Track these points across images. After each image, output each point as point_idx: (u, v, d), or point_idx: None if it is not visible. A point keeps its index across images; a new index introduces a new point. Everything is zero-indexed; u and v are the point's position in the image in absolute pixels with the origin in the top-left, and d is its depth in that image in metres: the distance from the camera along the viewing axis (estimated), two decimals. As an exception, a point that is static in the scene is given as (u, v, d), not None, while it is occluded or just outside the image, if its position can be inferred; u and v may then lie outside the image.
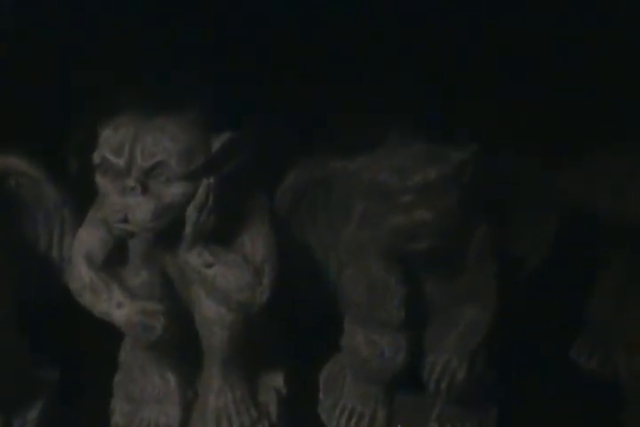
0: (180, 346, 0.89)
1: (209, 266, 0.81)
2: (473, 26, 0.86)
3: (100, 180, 0.80)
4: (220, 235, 0.83)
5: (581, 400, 0.93)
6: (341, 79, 0.86)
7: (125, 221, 0.78)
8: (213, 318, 0.85)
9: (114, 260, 0.85)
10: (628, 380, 0.88)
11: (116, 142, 0.78)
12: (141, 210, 0.77)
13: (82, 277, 0.84)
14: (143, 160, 0.77)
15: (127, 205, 0.78)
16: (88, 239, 0.85)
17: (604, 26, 0.85)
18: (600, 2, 0.81)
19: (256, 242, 0.83)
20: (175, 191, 0.78)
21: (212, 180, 0.79)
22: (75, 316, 0.93)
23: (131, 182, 0.77)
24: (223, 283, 0.82)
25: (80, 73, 0.89)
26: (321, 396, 0.93)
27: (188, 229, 0.80)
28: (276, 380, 0.93)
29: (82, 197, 0.89)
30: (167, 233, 0.81)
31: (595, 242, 0.91)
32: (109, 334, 0.92)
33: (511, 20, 0.85)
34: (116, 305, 0.83)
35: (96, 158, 0.79)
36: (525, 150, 0.86)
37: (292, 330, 0.97)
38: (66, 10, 0.84)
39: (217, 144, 0.80)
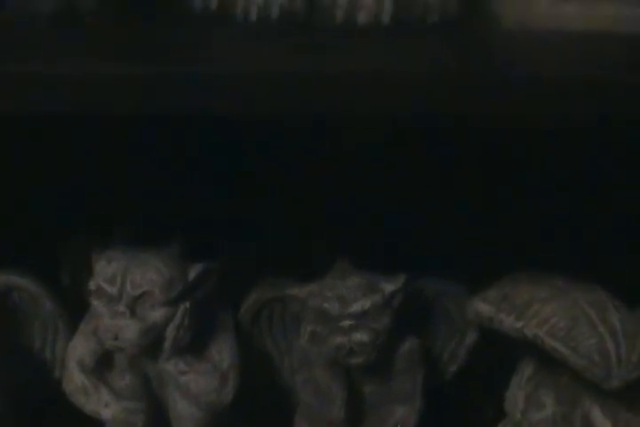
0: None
1: (183, 373, 0.98)
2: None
3: (94, 302, 0.97)
4: (193, 347, 1.00)
5: None
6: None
7: (116, 339, 0.95)
8: (185, 415, 1.01)
9: (102, 365, 1.02)
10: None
11: (110, 273, 0.95)
12: (129, 331, 0.94)
13: (75, 381, 1.01)
14: (132, 289, 0.95)
15: (118, 327, 0.95)
16: (80, 348, 1.01)
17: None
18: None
19: (223, 352, 1.00)
20: (158, 315, 0.95)
21: (188, 304, 0.97)
22: (67, 414, 1.09)
23: (121, 308, 0.95)
24: (194, 387, 0.99)
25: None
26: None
27: (167, 343, 0.97)
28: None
29: (74, 311, 1.06)
30: (149, 347, 0.98)
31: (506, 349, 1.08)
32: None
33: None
34: (103, 405, 1.00)
35: (92, 285, 0.96)
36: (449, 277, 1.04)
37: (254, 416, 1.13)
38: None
39: (192, 274, 0.97)
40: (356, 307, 0.95)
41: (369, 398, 1.02)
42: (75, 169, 1.11)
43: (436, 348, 1.07)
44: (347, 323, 0.95)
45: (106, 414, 0.99)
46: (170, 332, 0.96)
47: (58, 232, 1.09)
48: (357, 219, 1.05)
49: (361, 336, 0.95)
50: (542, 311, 0.96)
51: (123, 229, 0.99)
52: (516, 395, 1.05)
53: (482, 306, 1.00)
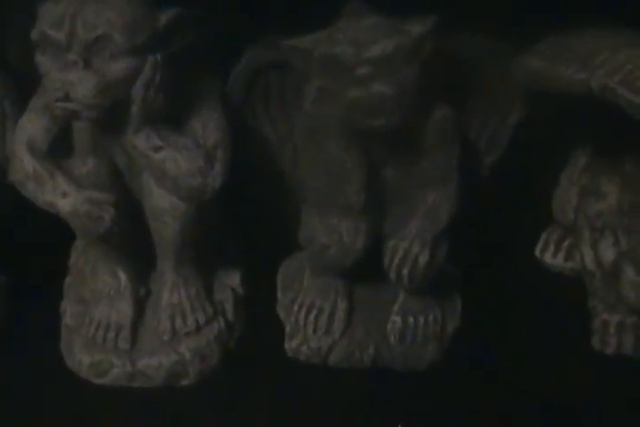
0: (131, 241, 0.85)
1: (157, 149, 0.77)
2: None
3: (40, 58, 0.75)
4: (170, 119, 0.79)
5: (547, 296, 0.90)
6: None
7: (67, 99, 0.74)
8: (164, 207, 0.81)
9: (58, 149, 0.81)
10: (594, 268, 0.85)
11: (56, 15, 0.74)
12: (83, 86, 0.73)
13: (24, 166, 0.80)
14: (85, 33, 0.73)
15: (68, 82, 0.73)
16: (30, 127, 0.80)
17: None
18: None
19: (208, 126, 0.80)
20: (119, 66, 0.74)
21: (158, 56, 0.75)
22: (22, 219, 0.90)
23: (72, 57, 0.73)
24: (173, 168, 0.78)
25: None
26: (279, 294, 0.90)
27: (135, 108, 0.76)
28: (233, 278, 0.90)
29: (24, 89, 0.85)
30: (114, 116, 0.77)
31: (560, 127, 0.88)
32: (59, 238, 0.89)
33: None
34: (60, 194, 0.79)
35: (35, 35, 0.75)
36: (487, 32, 0.83)
37: (248, 227, 0.93)
38: None
39: (164, 19, 0.76)
40: (374, 50, 0.73)
41: (393, 182, 0.81)
42: None
43: (473, 128, 0.85)
44: (364, 71, 0.73)
45: (63, 205, 0.79)
46: (137, 91, 0.75)
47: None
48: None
49: (382, 87, 0.73)
50: (612, 60, 0.75)
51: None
52: (567, 191, 0.85)
53: (533, 61, 0.78)
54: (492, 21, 0.84)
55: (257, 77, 0.83)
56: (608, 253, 0.85)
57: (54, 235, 0.89)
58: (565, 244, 0.94)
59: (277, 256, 0.92)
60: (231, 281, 0.90)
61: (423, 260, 0.80)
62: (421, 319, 0.84)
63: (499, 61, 0.82)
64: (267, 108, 0.84)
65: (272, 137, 0.85)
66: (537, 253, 0.95)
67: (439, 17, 0.76)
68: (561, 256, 0.94)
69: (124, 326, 0.84)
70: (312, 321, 0.84)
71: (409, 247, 0.80)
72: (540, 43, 0.82)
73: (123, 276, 0.86)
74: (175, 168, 0.78)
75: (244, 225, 0.93)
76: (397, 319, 0.84)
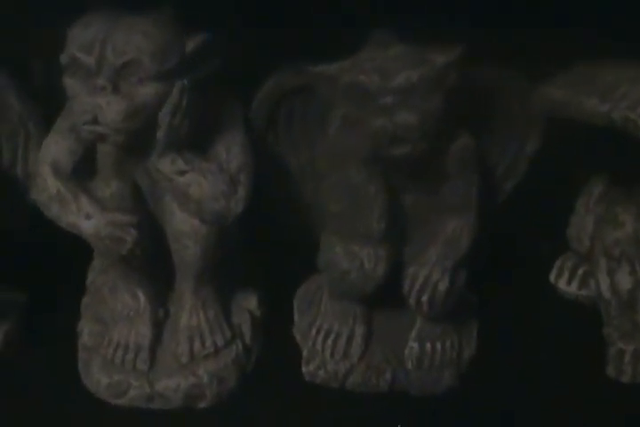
0: (151, 263, 0.85)
1: (182, 173, 0.78)
2: None
3: (68, 81, 0.76)
4: (194, 143, 0.80)
5: (562, 321, 0.91)
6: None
7: (95, 122, 0.74)
8: (186, 230, 0.81)
9: (83, 171, 0.82)
10: (610, 297, 0.85)
11: (86, 40, 0.74)
12: (112, 110, 0.74)
13: (48, 187, 0.81)
14: (115, 57, 0.74)
15: (97, 105, 0.74)
16: (55, 148, 0.81)
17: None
18: None
19: (231, 151, 0.80)
20: (148, 91, 0.75)
21: (186, 81, 0.76)
22: (43, 239, 0.90)
23: (101, 81, 0.74)
24: (197, 191, 0.78)
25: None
26: (296, 317, 0.90)
27: (161, 133, 0.76)
28: (250, 301, 0.91)
29: (49, 110, 0.86)
30: (139, 140, 0.77)
31: (578, 155, 0.89)
32: (78, 257, 0.90)
33: None
34: (84, 216, 0.80)
35: (64, 58, 0.75)
36: (509, 61, 0.84)
37: (267, 250, 0.94)
38: None
39: (192, 44, 0.76)
40: (399, 80, 0.74)
41: (414, 208, 0.82)
42: None
43: (492, 155, 0.86)
44: (389, 100, 0.74)
45: (87, 227, 0.79)
46: (163, 116, 0.76)
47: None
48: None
49: (407, 116, 0.74)
50: (633, 92, 0.75)
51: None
52: (583, 218, 0.85)
53: (554, 90, 0.79)
54: (514, 52, 0.84)
55: (280, 103, 0.83)
56: (625, 282, 0.85)
57: (72, 253, 0.90)
58: (580, 271, 0.94)
59: (295, 279, 0.92)
60: (249, 304, 0.90)
61: (443, 287, 0.81)
62: (438, 345, 0.85)
63: (518, 90, 0.83)
64: (289, 134, 0.85)
65: (294, 163, 0.86)
66: (551, 279, 0.96)
67: (463, 47, 0.77)
68: (575, 283, 0.95)
69: (142, 347, 0.85)
70: (330, 345, 0.85)
71: (429, 274, 0.81)
72: (561, 73, 0.83)
73: (142, 297, 0.86)
74: (199, 192, 0.79)
75: (263, 248, 0.93)
76: (415, 345, 0.85)
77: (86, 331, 0.88)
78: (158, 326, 0.87)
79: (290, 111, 0.84)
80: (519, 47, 0.87)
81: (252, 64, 0.84)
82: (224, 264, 0.87)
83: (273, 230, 0.91)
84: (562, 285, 0.95)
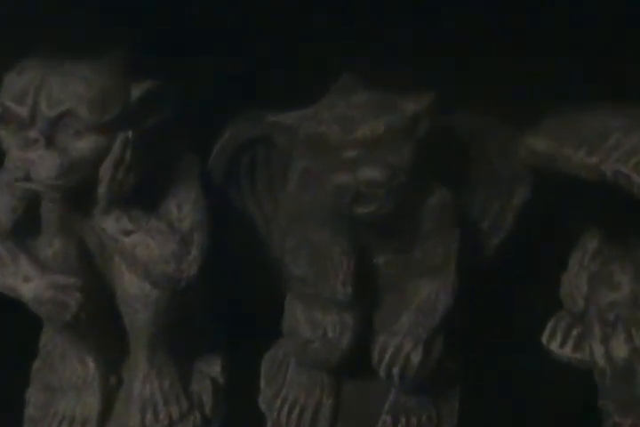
0: (103, 327, 0.79)
1: (128, 233, 0.71)
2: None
3: (2, 133, 0.69)
4: (143, 200, 0.73)
5: (553, 387, 0.83)
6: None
7: (27, 179, 0.68)
8: (136, 294, 0.75)
9: (24, 229, 0.75)
10: (605, 365, 0.78)
11: (19, 88, 0.68)
12: (45, 166, 0.67)
13: (-15, 247, 0.74)
14: (49, 108, 0.67)
15: (29, 160, 0.67)
16: (-7, 205, 0.74)
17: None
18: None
19: (183, 207, 0.74)
20: (85, 145, 0.68)
21: (130, 134, 0.69)
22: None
23: (33, 134, 0.67)
24: (144, 253, 0.72)
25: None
26: (262, 385, 0.83)
27: (102, 188, 0.70)
28: (213, 367, 0.84)
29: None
30: (83, 195, 0.71)
31: (568, 212, 0.82)
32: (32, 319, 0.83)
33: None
34: (22, 278, 0.73)
35: (-4, 108, 0.69)
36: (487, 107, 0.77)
37: (231, 312, 0.87)
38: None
39: (137, 92, 0.70)
40: (363, 131, 0.67)
41: (385, 270, 0.74)
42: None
43: (474, 211, 0.78)
44: (352, 153, 0.67)
45: (26, 290, 0.73)
46: (105, 171, 0.69)
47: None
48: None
49: (371, 172, 0.67)
50: (624, 143, 0.68)
51: (44, 31, 0.71)
52: (576, 276, 0.78)
53: (538, 141, 0.71)
54: (493, 97, 0.77)
55: (241, 153, 0.76)
56: (620, 350, 0.78)
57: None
58: (574, 333, 0.87)
59: (262, 343, 0.85)
60: (211, 370, 0.83)
61: (416, 358, 0.73)
62: (414, 419, 0.78)
63: (501, 140, 0.76)
64: (252, 186, 0.78)
65: (259, 216, 0.79)
66: (544, 341, 0.88)
67: (437, 92, 0.70)
68: (569, 346, 0.87)
69: (90, 420, 0.78)
70: (294, 419, 0.78)
71: (400, 344, 0.73)
72: (545, 120, 0.76)
73: (92, 364, 0.80)
74: (147, 253, 0.72)
75: (227, 309, 0.86)
76: (388, 419, 0.78)
77: (32, 400, 0.82)
78: (110, 395, 0.80)
79: (252, 160, 0.78)
80: (499, 91, 0.80)
81: (209, 110, 0.77)
82: (184, 327, 0.80)
83: (239, 289, 0.85)
84: (554, 347, 0.88)
